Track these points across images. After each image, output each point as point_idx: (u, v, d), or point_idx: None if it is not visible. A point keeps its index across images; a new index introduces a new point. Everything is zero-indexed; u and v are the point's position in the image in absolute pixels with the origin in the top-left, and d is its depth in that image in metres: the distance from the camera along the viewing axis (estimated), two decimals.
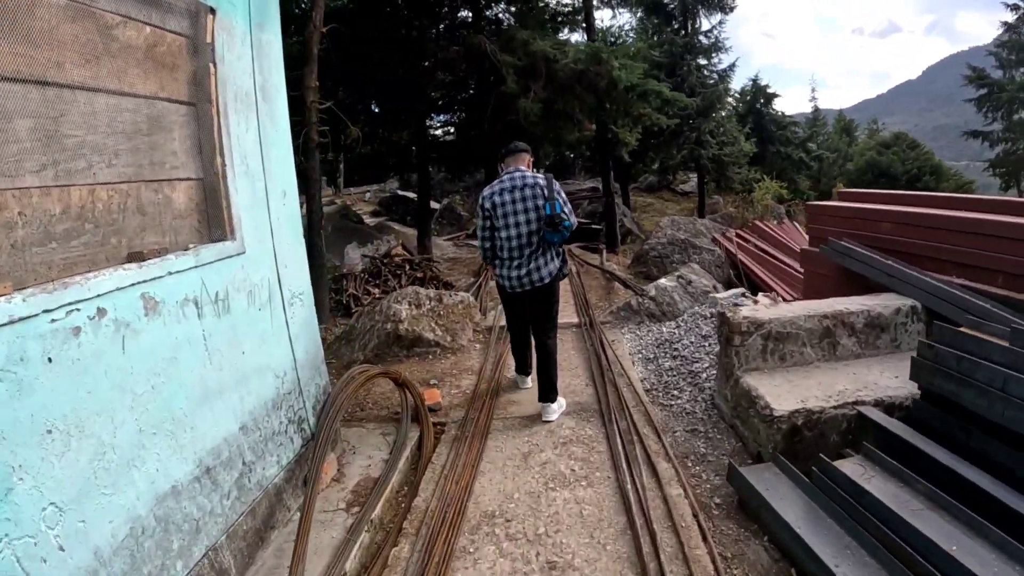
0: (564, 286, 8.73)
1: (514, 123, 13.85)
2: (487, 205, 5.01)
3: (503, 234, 4.98)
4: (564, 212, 4.81)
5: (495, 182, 5.09)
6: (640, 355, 6.75)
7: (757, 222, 17.48)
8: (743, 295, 7.14)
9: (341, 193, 29.02)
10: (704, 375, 5.87)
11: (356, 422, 5.64)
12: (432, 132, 18.22)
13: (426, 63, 13.58)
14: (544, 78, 10.82)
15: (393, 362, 7.18)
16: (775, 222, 18.41)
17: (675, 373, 6.06)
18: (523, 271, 4.98)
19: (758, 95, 33.00)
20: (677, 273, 8.78)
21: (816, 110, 45.86)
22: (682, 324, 7.14)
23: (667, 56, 23.16)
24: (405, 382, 5.49)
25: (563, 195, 4.93)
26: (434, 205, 24.91)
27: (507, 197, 4.92)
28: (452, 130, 18.14)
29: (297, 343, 4.43)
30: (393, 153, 17.84)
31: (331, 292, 11.49)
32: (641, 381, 6.00)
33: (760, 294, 7.50)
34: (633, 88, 10.97)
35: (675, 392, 5.70)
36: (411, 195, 25.63)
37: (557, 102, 11.14)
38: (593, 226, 17.10)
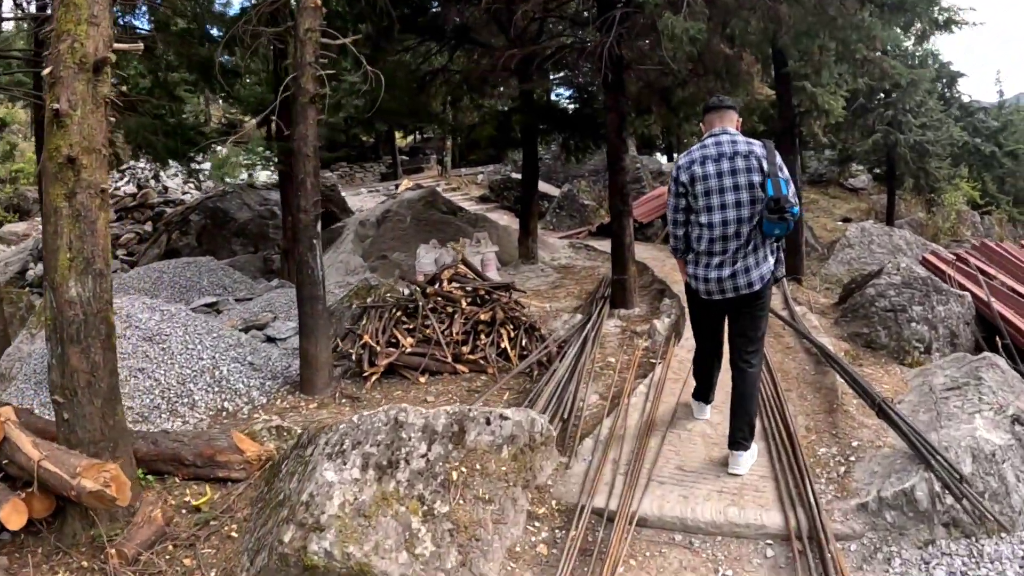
0: None
1: (649, 79, 9.15)
2: (683, 178, 3.93)
3: (703, 219, 3.87)
4: (791, 195, 3.67)
5: (694, 147, 3.99)
6: None
7: (988, 242, 11.80)
8: None
9: (448, 174, 24.93)
10: None
11: None
12: (544, 98, 13.72)
13: None
14: None
15: None
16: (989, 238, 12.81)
17: None
18: (725, 272, 3.84)
19: (940, 74, 25.95)
20: (1009, 412, 3.79)
21: (1002, 97, 36.28)
22: None
23: None
24: None
25: (786, 171, 3.78)
26: (551, 191, 20.42)
27: (711, 169, 3.82)
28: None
29: None
30: (490, 123, 13.38)
31: (343, 337, 7.28)
32: None
33: None
34: None
35: None
36: None
37: (724, 27, 6.29)
38: None
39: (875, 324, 6.71)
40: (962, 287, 8.68)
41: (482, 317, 7.03)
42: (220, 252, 15.69)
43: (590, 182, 21.24)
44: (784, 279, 9.40)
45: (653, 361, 6.44)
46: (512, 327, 7.20)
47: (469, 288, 7.45)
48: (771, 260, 3.93)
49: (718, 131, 3.94)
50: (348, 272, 13.28)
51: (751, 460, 4.01)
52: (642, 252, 12.72)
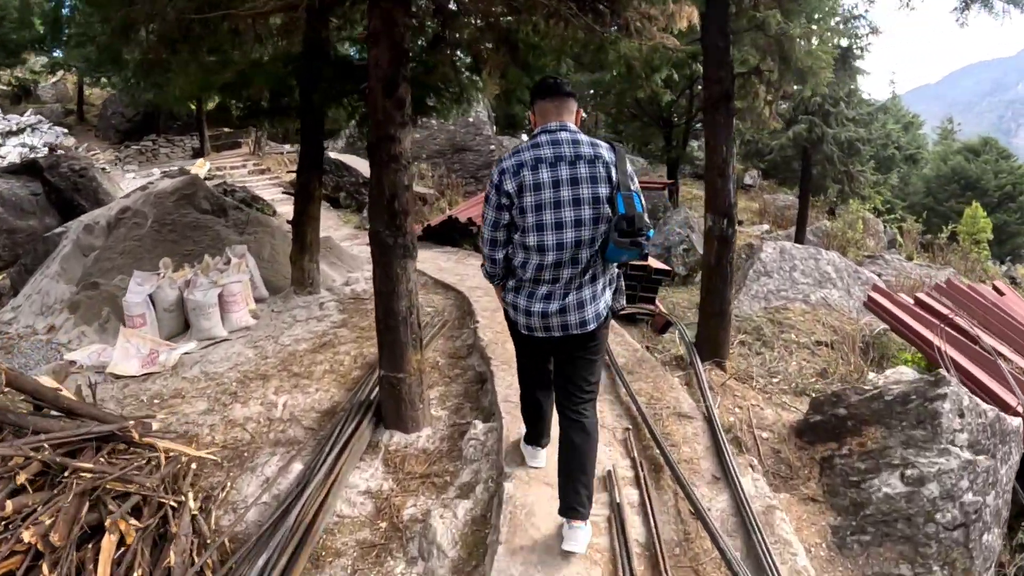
0: None
1: (488, 14, 5.26)
2: (508, 187, 2.93)
3: (531, 240, 2.93)
4: (646, 212, 2.84)
5: (522, 147, 3.00)
6: None
7: (956, 281, 8.19)
8: None
9: (261, 152, 20.15)
10: None
11: None
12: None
13: None
14: None
15: None
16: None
17: None
18: (552, 306, 2.98)
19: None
20: None
21: (894, 98, 33.84)
22: None
23: None
24: None
25: (637, 182, 2.94)
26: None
27: (545, 176, 2.89)
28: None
29: None
30: (261, 78, 8.80)
31: None
32: None
33: None
34: None
35: None
36: (355, 160, 16.79)
37: None
38: (656, 266, 8.05)
39: (928, 558, 2.95)
40: (965, 374, 5.16)
41: (26, 537, 2.75)
42: None
43: (431, 164, 17.02)
44: (697, 359, 5.56)
45: None
46: (132, 527, 2.98)
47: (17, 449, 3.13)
48: (609, 292, 3.09)
49: (554, 126, 2.96)
50: (43, 310, 8.45)
51: (589, 534, 3.16)
52: (474, 278, 8.56)
